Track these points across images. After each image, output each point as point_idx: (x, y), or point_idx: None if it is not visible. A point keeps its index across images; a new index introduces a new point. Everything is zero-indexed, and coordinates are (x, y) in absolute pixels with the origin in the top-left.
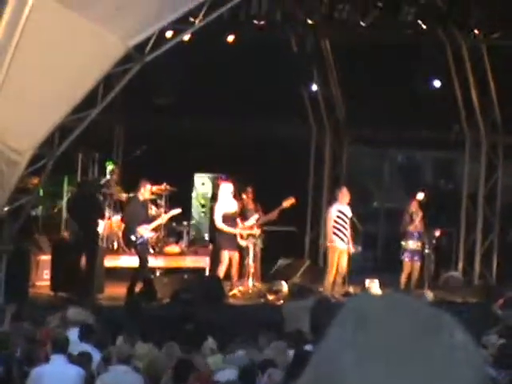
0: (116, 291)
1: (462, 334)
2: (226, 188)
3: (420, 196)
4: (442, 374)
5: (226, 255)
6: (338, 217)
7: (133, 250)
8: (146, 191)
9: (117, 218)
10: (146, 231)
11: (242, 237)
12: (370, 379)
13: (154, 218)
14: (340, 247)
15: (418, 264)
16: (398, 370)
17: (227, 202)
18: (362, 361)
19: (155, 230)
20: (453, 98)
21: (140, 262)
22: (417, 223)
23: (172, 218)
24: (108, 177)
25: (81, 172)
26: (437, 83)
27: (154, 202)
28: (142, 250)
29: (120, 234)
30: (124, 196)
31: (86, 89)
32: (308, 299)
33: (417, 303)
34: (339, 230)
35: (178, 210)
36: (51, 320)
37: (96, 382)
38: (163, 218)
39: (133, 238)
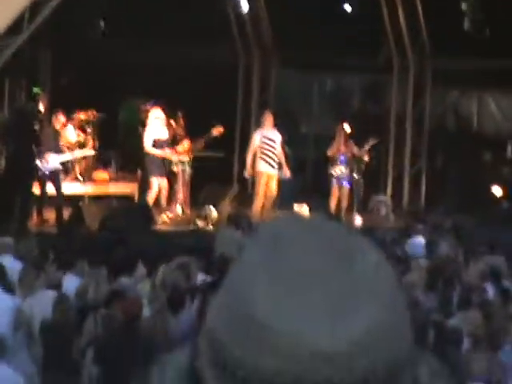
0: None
1: (375, 256)
2: (156, 114)
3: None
4: (353, 297)
5: (155, 181)
6: (264, 142)
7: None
8: (58, 121)
9: None
10: (54, 160)
11: (170, 162)
12: (280, 303)
13: (82, 145)
14: (267, 172)
15: (346, 189)
16: (310, 291)
17: (157, 127)
18: (273, 284)
19: (81, 158)
20: (381, 21)
21: (40, 190)
22: (335, 147)
23: (100, 146)
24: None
25: (8, 98)
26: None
27: (81, 128)
28: (44, 177)
29: None
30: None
31: (12, 14)
32: (244, 227)
33: (332, 225)
34: (265, 154)
35: (90, 152)
36: None
37: (23, 305)
38: (74, 155)
39: (39, 163)
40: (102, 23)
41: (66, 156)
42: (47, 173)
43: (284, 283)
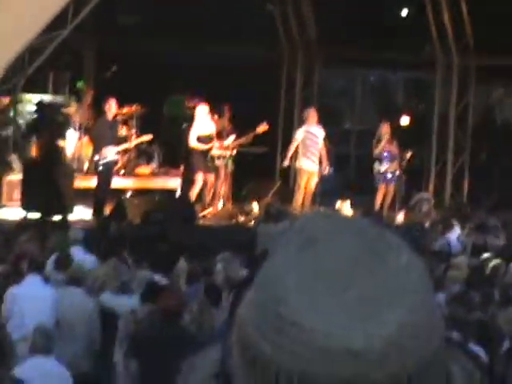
0: (87, 212)
1: (408, 255)
2: (203, 109)
3: (405, 120)
4: (385, 296)
5: (199, 176)
6: (307, 138)
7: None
8: (111, 108)
9: (86, 139)
10: (111, 153)
11: (213, 157)
12: (313, 301)
13: (124, 139)
14: (309, 168)
15: (391, 186)
16: (342, 290)
17: (203, 123)
18: (306, 282)
19: (124, 152)
20: (425, 19)
21: (98, 183)
22: (381, 146)
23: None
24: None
25: (52, 92)
26: (404, 12)
27: (125, 122)
28: (103, 170)
29: (90, 156)
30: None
31: (57, 8)
32: (285, 222)
33: (366, 223)
34: (309, 151)
35: (148, 137)
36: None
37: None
38: (132, 143)
39: (96, 157)
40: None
41: (123, 145)
42: (103, 167)
43: (316, 281)
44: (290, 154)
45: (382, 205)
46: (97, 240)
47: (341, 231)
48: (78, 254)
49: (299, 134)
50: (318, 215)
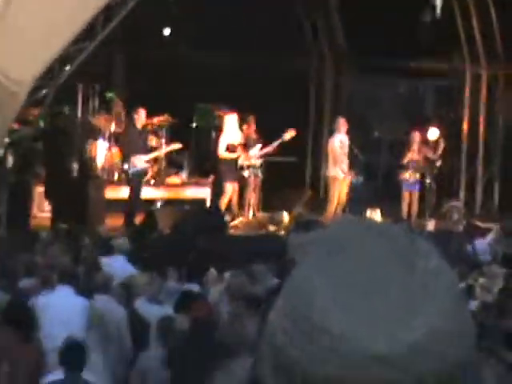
0: (118, 222)
1: (437, 261)
2: (232, 119)
3: (433, 133)
4: (414, 301)
5: (228, 186)
6: (340, 147)
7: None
8: (140, 118)
9: (116, 149)
10: (140, 161)
11: (242, 167)
12: (341, 305)
13: (154, 149)
14: (340, 177)
15: (416, 194)
16: (371, 295)
17: (232, 132)
18: (334, 287)
19: (153, 161)
20: (454, 27)
21: (130, 193)
22: (409, 155)
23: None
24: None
25: (81, 103)
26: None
27: (154, 132)
28: (132, 180)
29: (120, 165)
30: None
31: (86, 19)
32: (315, 231)
33: (396, 229)
34: (340, 160)
35: (177, 145)
36: (52, 250)
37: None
38: (162, 151)
39: (126, 167)
40: (166, 30)
41: (153, 154)
42: (130, 175)
43: (344, 287)
44: (331, 163)
45: (409, 213)
46: (133, 250)
47: (370, 237)
48: (119, 262)
49: (336, 143)
50: (348, 221)
